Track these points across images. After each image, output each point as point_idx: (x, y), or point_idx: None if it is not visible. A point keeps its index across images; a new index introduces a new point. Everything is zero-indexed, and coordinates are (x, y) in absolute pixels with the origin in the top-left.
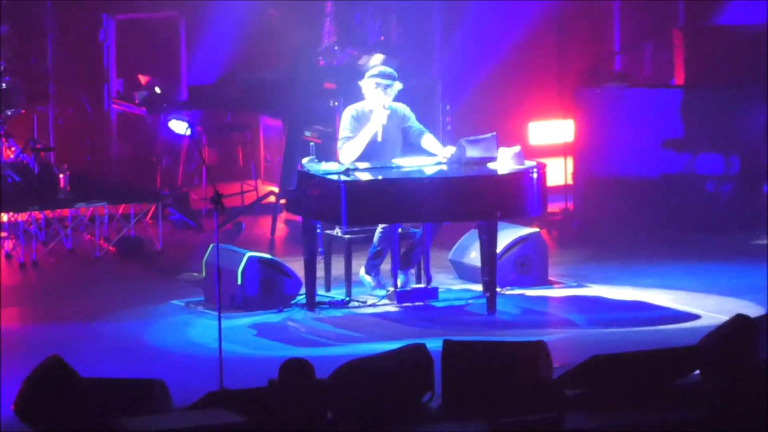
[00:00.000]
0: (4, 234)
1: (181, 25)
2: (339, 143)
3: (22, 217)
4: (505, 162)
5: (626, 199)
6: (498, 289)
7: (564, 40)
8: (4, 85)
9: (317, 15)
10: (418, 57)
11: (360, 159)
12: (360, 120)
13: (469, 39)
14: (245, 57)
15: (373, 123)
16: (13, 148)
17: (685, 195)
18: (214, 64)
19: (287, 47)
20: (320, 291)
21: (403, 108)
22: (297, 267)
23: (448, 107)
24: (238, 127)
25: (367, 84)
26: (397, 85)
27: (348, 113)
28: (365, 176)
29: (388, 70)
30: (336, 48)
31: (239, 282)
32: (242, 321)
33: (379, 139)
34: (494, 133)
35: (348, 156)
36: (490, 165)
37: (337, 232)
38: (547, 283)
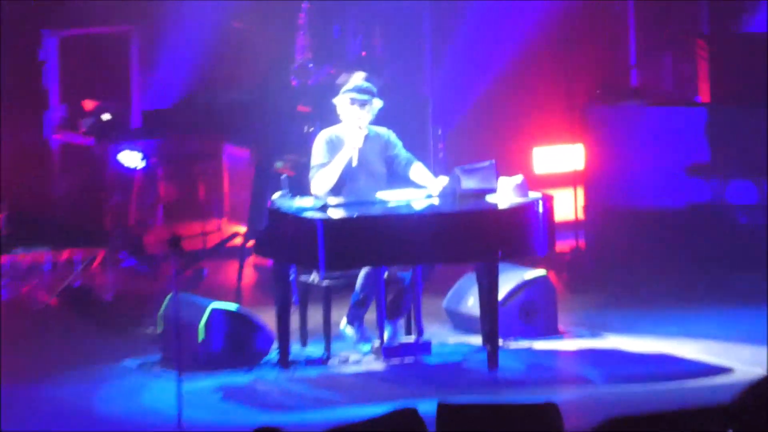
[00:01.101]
0: None
1: (134, 40)
2: (311, 173)
3: None
4: (506, 194)
5: (646, 234)
6: (500, 342)
7: (573, 53)
8: None
9: (289, 28)
10: (406, 74)
11: (336, 189)
12: (335, 145)
13: (463, 53)
14: (207, 77)
15: (347, 146)
16: None
17: (714, 228)
18: (172, 86)
19: (255, 65)
20: (295, 346)
21: (386, 133)
22: (268, 319)
23: (439, 131)
24: (200, 157)
25: (341, 101)
26: (377, 102)
27: (321, 138)
28: (346, 213)
29: (366, 84)
30: (311, 65)
31: (202, 337)
32: (206, 383)
33: (354, 163)
34: (493, 160)
35: (320, 185)
36: (489, 198)
37: (313, 278)
38: (556, 334)
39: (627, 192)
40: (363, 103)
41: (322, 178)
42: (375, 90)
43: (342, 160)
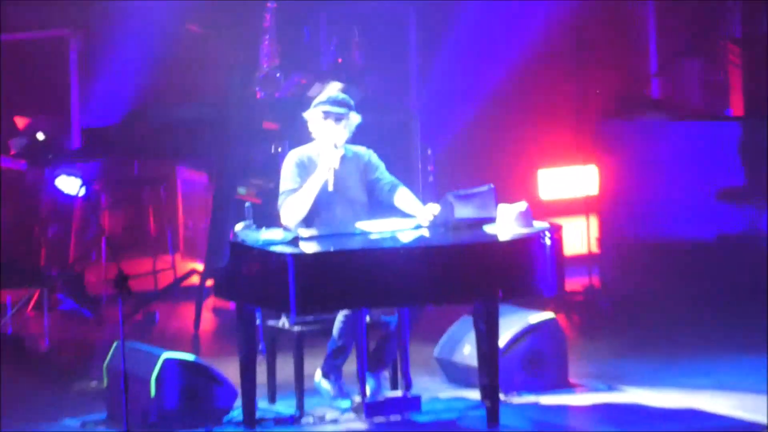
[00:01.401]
0: None
1: (73, 46)
2: (280, 200)
3: None
4: (507, 224)
5: (671, 269)
6: (501, 396)
7: (583, 60)
8: None
9: (253, 32)
10: (389, 85)
11: (308, 219)
12: (307, 168)
13: (456, 61)
14: (158, 88)
15: (321, 168)
16: None
17: (749, 262)
18: (117, 99)
19: (213, 75)
20: (262, 403)
21: (366, 153)
22: (230, 371)
23: (429, 151)
24: (150, 182)
25: (313, 115)
26: (355, 117)
27: (291, 160)
28: (321, 247)
29: (342, 95)
30: (278, 75)
31: (153, 393)
32: None
33: (330, 188)
34: (492, 185)
35: (290, 215)
36: (487, 228)
37: (283, 322)
38: (567, 387)
39: (648, 221)
40: (339, 118)
41: (293, 206)
42: (353, 103)
43: (315, 184)
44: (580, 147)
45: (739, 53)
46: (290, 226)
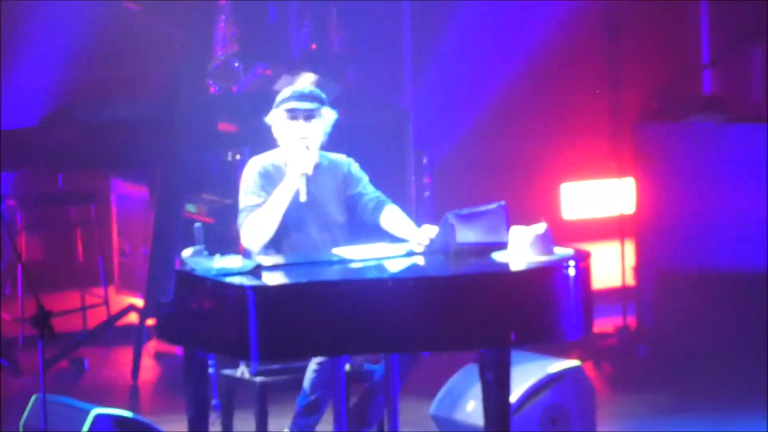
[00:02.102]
0: None
1: None
2: (240, 218)
3: None
4: (521, 250)
5: (724, 307)
6: None
7: (619, 50)
8: None
9: (206, 11)
10: (376, 78)
11: (276, 243)
12: (272, 179)
13: (459, 50)
14: (87, 81)
15: (291, 175)
16: None
17: None
18: (35, 95)
19: (156, 65)
20: None
21: (346, 162)
22: (177, 430)
23: (424, 159)
24: (77, 198)
25: (277, 117)
26: (329, 114)
27: (252, 169)
28: (289, 278)
29: (309, 88)
30: (237, 64)
31: None
32: None
33: (303, 198)
34: (503, 202)
35: (252, 236)
36: (497, 256)
37: (242, 372)
38: None
39: (696, 247)
40: (309, 115)
41: (256, 225)
42: (324, 97)
43: (283, 196)
44: (613, 156)
45: None
46: (254, 251)
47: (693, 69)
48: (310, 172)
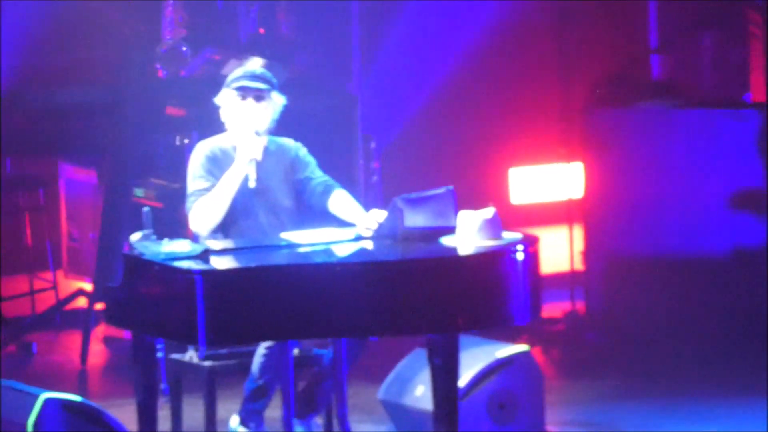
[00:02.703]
0: None
1: None
2: (188, 203)
3: None
4: (469, 235)
5: (673, 292)
6: None
7: (566, 33)
8: None
9: None
10: (324, 63)
11: (224, 228)
12: (220, 163)
13: (407, 34)
14: (35, 65)
15: (240, 160)
16: None
17: None
18: None
19: (103, 49)
20: None
21: (294, 147)
22: (126, 415)
23: (373, 144)
24: (25, 183)
25: (226, 96)
26: (278, 98)
27: (199, 153)
28: (237, 262)
29: (262, 70)
30: (185, 49)
31: None
32: None
33: (252, 184)
34: (451, 186)
35: (201, 220)
36: (445, 240)
37: (191, 356)
38: None
39: (646, 231)
40: (259, 96)
41: (205, 210)
42: (275, 81)
43: (232, 181)
44: (561, 140)
45: (762, 24)
46: (202, 235)
47: (642, 54)
48: (259, 158)
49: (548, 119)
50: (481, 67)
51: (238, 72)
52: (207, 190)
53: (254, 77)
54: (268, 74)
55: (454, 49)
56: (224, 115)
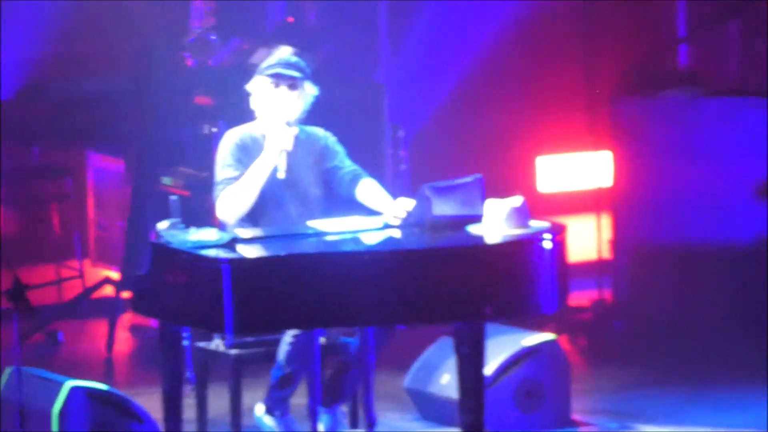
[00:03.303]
0: None
1: None
2: (216, 191)
3: None
4: (497, 223)
5: (699, 281)
6: None
7: (597, 24)
8: None
9: None
10: (352, 52)
11: (253, 218)
12: (250, 151)
13: (437, 22)
14: (62, 55)
15: (270, 150)
16: None
17: None
18: (10, 69)
19: (131, 38)
20: None
21: (324, 136)
22: (151, 404)
23: (401, 133)
24: (53, 172)
25: (259, 84)
26: (310, 88)
27: (229, 141)
28: (264, 250)
29: (294, 58)
30: (213, 38)
31: (56, 429)
32: None
33: (282, 175)
34: (479, 175)
35: (229, 209)
36: (472, 228)
37: (217, 345)
38: (569, 425)
39: (672, 221)
40: (292, 84)
41: (233, 199)
42: (308, 69)
43: (262, 171)
44: (589, 129)
45: None
46: (229, 224)
47: (669, 43)
48: (290, 148)
49: (575, 108)
50: (508, 55)
51: (272, 59)
52: (235, 179)
53: (288, 65)
54: (302, 63)
55: (481, 38)
56: (254, 103)
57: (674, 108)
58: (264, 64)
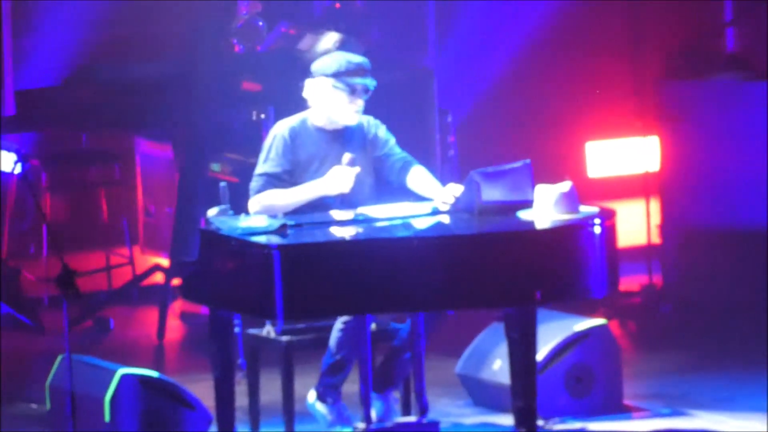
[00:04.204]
0: None
1: None
2: (254, 182)
3: None
4: (546, 209)
5: (750, 265)
6: (540, 422)
7: (644, 7)
8: None
9: None
10: (399, 36)
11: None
12: (297, 145)
13: (483, 8)
14: (111, 40)
15: (326, 187)
16: None
17: None
18: (59, 53)
19: (180, 23)
20: (242, 430)
21: (373, 124)
22: (203, 391)
23: (449, 119)
24: (101, 157)
25: (320, 87)
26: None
27: (277, 135)
28: (315, 237)
29: (359, 58)
30: (261, 23)
31: (108, 418)
32: None
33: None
34: (528, 160)
35: (264, 212)
36: (522, 214)
37: (268, 331)
38: (620, 411)
39: (722, 205)
40: (367, 90)
41: (269, 205)
42: (369, 65)
43: (310, 195)
44: (637, 114)
45: None
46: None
47: (716, 26)
48: (348, 191)
49: (623, 92)
50: (555, 39)
51: (346, 63)
52: (275, 175)
53: (357, 69)
54: (365, 61)
55: (530, 21)
56: (312, 98)
57: (722, 92)
58: (335, 66)
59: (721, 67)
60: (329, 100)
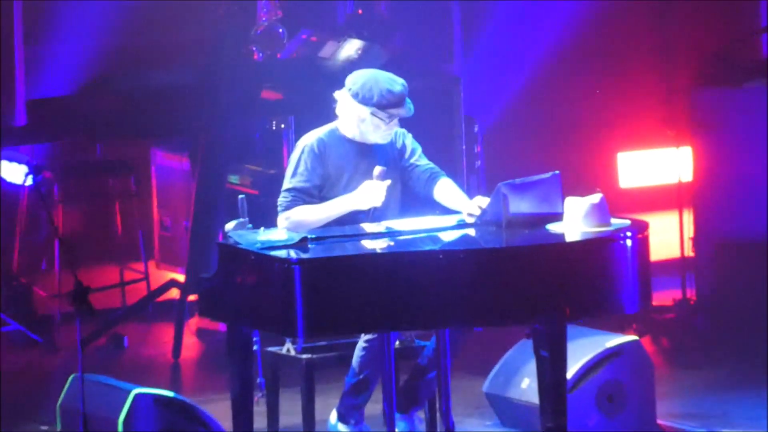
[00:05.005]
0: None
1: None
2: (282, 197)
3: None
4: (576, 221)
5: None
6: None
7: (672, 12)
8: None
9: None
10: (424, 44)
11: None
12: (328, 160)
13: (512, 13)
14: (126, 48)
15: (358, 201)
16: None
17: None
18: (73, 61)
19: (198, 31)
20: None
21: (400, 134)
22: (220, 411)
23: (476, 128)
24: (116, 168)
25: (357, 111)
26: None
27: (305, 149)
28: (335, 251)
29: (398, 86)
30: (281, 30)
31: None
32: None
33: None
34: (557, 171)
35: (295, 228)
36: (551, 227)
37: (288, 349)
38: (654, 429)
39: (756, 215)
40: (393, 116)
41: (301, 221)
42: (406, 86)
43: (342, 210)
44: (669, 123)
45: None
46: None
47: (750, 32)
48: (379, 204)
49: (654, 100)
50: (584, 47)
51: (387, 95)
52: (304, 190)
53: (408, 103)
54: (403, 82)
55: (557, 28)
56: (349, 119)
57: (755, 99)
58: (374, 98)
59: (755, 73)
60: (365, 125)
